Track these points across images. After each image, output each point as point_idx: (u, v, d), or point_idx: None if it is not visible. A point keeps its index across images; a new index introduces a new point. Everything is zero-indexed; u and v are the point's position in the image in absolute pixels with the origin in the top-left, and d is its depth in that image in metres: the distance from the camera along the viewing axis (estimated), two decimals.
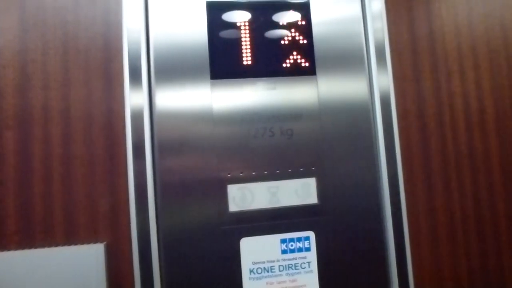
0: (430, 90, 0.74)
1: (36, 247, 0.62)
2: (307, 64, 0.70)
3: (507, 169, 0.75)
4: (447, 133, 0.74)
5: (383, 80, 0.72)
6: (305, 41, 0.70)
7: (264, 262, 0.66)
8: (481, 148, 0.74)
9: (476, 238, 0.73)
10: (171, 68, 0.67)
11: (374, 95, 0.72)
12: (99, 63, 0.66)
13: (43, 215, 0.62)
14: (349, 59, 0.71)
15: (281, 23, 0.70)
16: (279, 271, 0.66)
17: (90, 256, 0.62)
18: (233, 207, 0.66)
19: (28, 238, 0.62)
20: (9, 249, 0.61)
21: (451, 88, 0.74)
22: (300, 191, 0.68)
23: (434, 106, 0.74)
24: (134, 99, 0.65)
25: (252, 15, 0.70)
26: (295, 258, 0.67)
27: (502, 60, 0.77)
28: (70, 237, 0.63)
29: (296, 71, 0.70)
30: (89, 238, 0.63)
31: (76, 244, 0.62)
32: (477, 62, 0.76)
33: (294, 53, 0.70)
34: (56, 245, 0.62)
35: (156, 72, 0.66)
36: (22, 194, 0.62)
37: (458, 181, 0.73)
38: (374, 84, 0.72)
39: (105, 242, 0.63)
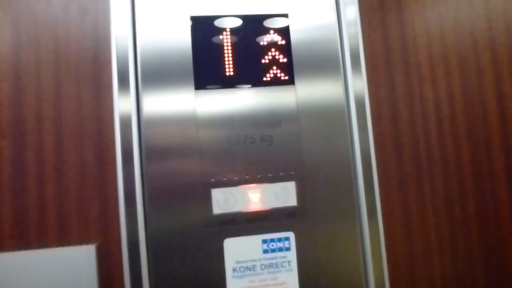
0: (403, 97, 0.78)
1: (30, 249, 0.66)
2: (286, 75, 0.74)
3: (478, 171, 0.79)
4: (420, 138, 0.77)
5: (358, 86, 0.76)
6: (284, 51, 0.74)
7: (246, 262, 0.70)
8: (452, 152, 0.78)
9: (448, 237, 0.77)
10: (158, 77, 0.71)
11: (350, 101, 0.76)
12: (89, 75, 0.70)
13: (37, 219, 0.66)
14: (326, 66, 0.75)
15: (261, 35, 0.74)
16: (261, 269, 0.70)
17: (82, 257, 0.66)
18: (216, 209, 0.70)
19: (23, 241, 0.65)
20: (5, 251, 0.65)
21: (423, 95, 0.78)
22: (280, 194, 0.72)
23: (407, 112, 0.78)
24: (122, 107, 0.69)
25: (233, 28, 0.74)
26: (275, 258, 0.71)
27: (472, 68, 0.81)
28: (63, 239, 0.66)
29: (276, 81, 0.74)
30: (81, 240, 0.67)
31: (69, 245, 0.66)
32: (448, 70, 0.80)
33: (274, 64, 0.74)
34: (50, 246, 0.66)
35: (143, 82, 0.70)
36: (17, 199, 0.66)
37: (431, 184, 0.77)
38: (349, 90, 0.76)
39: (96, 244, 0.67)
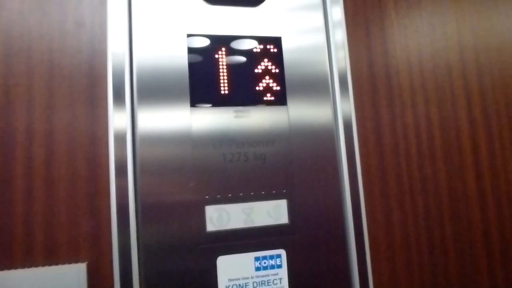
0: (386, 121, 0.82)
1: (15, 268, 0.62)
2: (279, 95, 0.76)
3: (454, 191, 0.84)
4: (401, 160, 0.82)
5: (346, 108, 0.79)
6: (277, 72, 0.76)
7: (239, 279, 0.70)
8: (430, 173, 0.83)
9: (427, 253, 0.81)
10: (154, 94, 0.70)
11: (338, 123, 0.79)
12: (84, 88, 0.68)
13: (23, 235, 0.63)
14: (316, 87, 0.78)
15: (255, 56, 0.76)
16: (253, 287, 0.70)
17: (72, 276, 0.63)
18: (210, 227, 0.70)
19: (7, 260, 0.62)
20: None
21: (404, 120, 0.83)
22: (272, 212, 0.73)
23: (390, 136, 0.82)
24: (117, 122, 0.68)
25: (229, 49, 0.75)
26: (267, 275, 0.71)
27: (448, 95, 0.87)
28: (52, 258, 0.64)
29: (269, 101, 0.76)
30: (71, 258, 0.64)
31: (57, 264, 0.64)
32: (427, 97, 0.86)
33: (268, 84, 0.76)
34: (37, 265, 0.63)
35: (139, 97, 0.70)
36: (2, 214, 0.63)
37: (412, 203, 0.81)
38: (338, 112, 0.79)
39: (87, 262, 0.65)
